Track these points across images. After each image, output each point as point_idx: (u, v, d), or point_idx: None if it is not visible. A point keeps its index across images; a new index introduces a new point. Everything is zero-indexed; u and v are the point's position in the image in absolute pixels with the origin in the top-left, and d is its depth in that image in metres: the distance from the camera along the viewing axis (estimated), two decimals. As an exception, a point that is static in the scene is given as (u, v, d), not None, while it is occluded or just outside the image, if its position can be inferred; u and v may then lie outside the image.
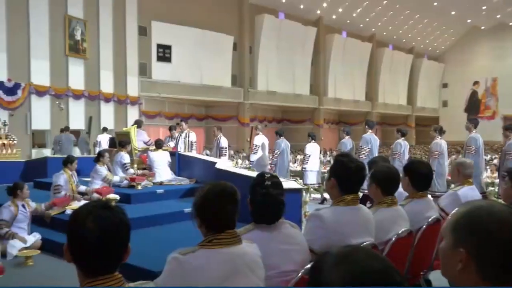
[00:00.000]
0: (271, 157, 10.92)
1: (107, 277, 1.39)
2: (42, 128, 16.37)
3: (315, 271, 0.97)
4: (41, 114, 16.08)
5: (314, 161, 10.44)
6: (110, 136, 12.48)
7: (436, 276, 3.79)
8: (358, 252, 0.95)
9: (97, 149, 12.13)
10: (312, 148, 10.44)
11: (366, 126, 9.16)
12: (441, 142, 8.16)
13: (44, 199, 6.86)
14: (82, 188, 7.23)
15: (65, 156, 7.60)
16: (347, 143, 9.37)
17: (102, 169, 7.40)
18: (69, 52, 16.97)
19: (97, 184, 7.28)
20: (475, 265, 1.07)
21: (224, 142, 10.16)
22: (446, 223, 1.18)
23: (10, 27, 15.08)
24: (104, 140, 12.89)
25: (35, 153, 15.46)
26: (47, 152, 15.03)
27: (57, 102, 16.59)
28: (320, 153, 13.51)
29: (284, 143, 10.54)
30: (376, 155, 8.61)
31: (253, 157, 10.81)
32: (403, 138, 8.77)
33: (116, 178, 7.68)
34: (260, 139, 10.76)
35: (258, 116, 27.15)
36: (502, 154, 7.92)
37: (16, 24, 15.24)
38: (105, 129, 14.36)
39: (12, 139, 12.36)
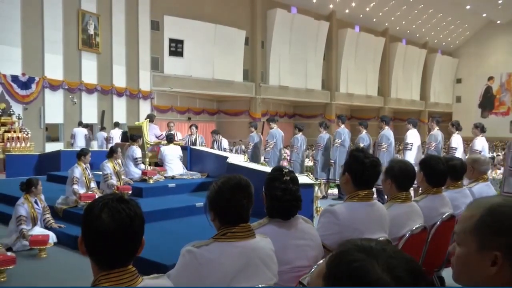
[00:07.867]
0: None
1: (122, 270, 1.39)
2: (55, 122, 16.52)
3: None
4: (54, 108, 16.24)
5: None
6: (122, 130, 12.54)
7: (449, 273, 3.74)
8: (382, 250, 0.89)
9: (109, 145, 12.23)
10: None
11: (271, 123, 10.35)
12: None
13: (57, 192, 6.93)
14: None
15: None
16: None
17: (106, 167, 7.06)
18: (82, 47, 17.09)
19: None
20: (510, 265, 1.03)
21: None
22: (461, 226, 1.12)
23: (25, 22, 15.22)
24: (116, 135, 12.97)
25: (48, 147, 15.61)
26: (60, 146, 15.17)
27: (70, 96, 16.73)
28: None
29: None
30: (280, 147, 10.11)
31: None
32: (300, 133, 9.90)
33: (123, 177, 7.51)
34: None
35: (270, 111, 27.09)
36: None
37: (31, 19, 15.38)
38: (116, 124, 14.42)
39: (26, 132, 12.50)
